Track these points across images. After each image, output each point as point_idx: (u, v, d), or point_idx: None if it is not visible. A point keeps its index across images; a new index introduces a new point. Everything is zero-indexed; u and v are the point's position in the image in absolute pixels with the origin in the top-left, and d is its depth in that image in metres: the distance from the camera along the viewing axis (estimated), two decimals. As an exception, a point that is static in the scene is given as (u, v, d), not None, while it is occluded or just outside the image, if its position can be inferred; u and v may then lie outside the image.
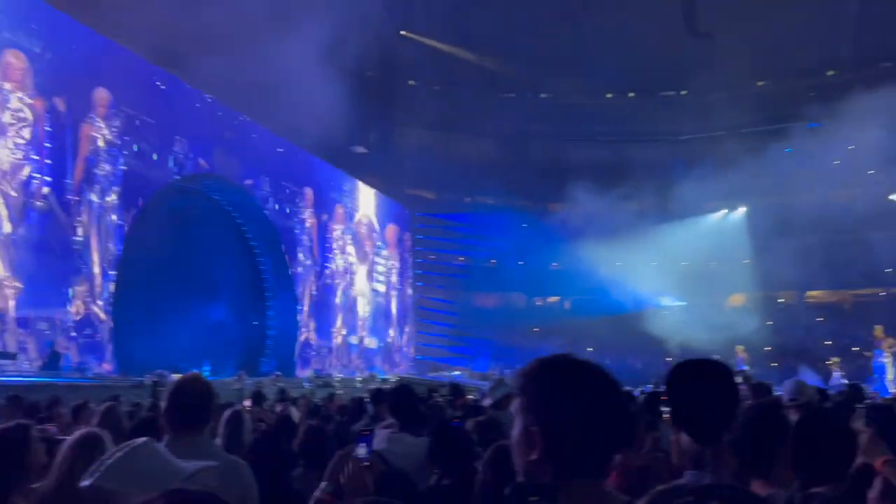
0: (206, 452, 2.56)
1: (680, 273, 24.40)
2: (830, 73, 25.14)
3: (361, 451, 2.84)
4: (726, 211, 26.55)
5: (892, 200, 23.67)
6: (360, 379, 18.53)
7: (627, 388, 16.93)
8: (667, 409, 4.88)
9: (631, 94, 28.89)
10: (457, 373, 23.19)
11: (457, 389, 7.07)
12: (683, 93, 27.80)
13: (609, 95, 28.67)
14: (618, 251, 23.20)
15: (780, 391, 8.42)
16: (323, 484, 2.84)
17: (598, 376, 1.33)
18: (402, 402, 3.98)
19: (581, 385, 1.30)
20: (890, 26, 23.28)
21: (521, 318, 27.63)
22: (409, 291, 28.13)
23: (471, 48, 27.60)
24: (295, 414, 6.69)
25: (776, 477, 2.06)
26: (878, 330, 18.30)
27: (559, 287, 27.74)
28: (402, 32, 26.46)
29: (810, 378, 15.51)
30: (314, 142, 20.59)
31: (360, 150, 24.83)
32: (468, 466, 3.16)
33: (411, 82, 28.31)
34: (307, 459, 3.94)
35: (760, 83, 26.85)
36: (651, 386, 16.86)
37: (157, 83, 15.82)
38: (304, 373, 18.92)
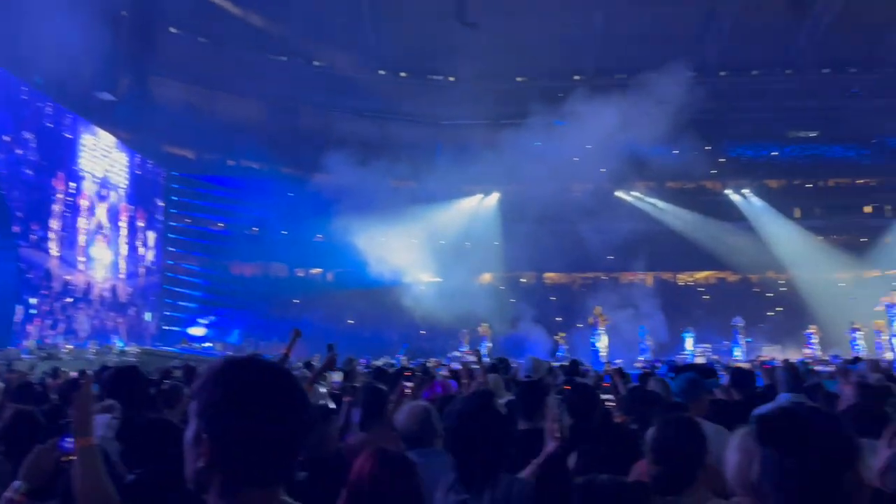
0: None
1: (437, 251, 25.63)
2: (576, 77, 27.96)
3: (67, 444, 2.55)
4: (482, 196, 28.37)
5: (617, 196, 27.18)
6: (93, 351, 16.76)
7: (384, 359, 17.54)
8: (409, 384, 5.09)
9: (402, 74, 29.52)
10: (208, 345, 22.16)
11: (191, 372, 6.36)
12: (451, 79, 29.05)
13: (381, 72, 28.99)
14: (380, 226, 23.71)
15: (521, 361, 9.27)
16: (16, 483, 2.50)
17: (278, 386, 1.26)
18: (124, 385, 3.60)
19: (256, 395, 1.23)
20: (626, 43, 26.60)
21: (282, 289, 27.06)
22: (160, 256, 26.02)
23: (241, 3, 26.09)
24: None
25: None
26: (597, 309, 20.96)
27: (322, 259, 27.59)
28: (164, -27, 24.18)
29: (542, 353, 17.33)
30: (49, 81, 18.05)
31: (107, 96, 22.22)
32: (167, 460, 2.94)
33: (173, 30, 26.05)
34: (9, 449, 3.46)
35: (519, 79, 29.02)
36: (402, 358, 17.57)
37: None
38: (25, 343, 16.66)
